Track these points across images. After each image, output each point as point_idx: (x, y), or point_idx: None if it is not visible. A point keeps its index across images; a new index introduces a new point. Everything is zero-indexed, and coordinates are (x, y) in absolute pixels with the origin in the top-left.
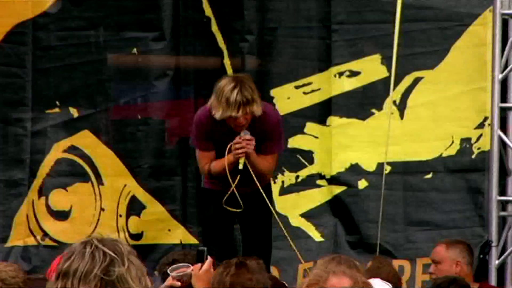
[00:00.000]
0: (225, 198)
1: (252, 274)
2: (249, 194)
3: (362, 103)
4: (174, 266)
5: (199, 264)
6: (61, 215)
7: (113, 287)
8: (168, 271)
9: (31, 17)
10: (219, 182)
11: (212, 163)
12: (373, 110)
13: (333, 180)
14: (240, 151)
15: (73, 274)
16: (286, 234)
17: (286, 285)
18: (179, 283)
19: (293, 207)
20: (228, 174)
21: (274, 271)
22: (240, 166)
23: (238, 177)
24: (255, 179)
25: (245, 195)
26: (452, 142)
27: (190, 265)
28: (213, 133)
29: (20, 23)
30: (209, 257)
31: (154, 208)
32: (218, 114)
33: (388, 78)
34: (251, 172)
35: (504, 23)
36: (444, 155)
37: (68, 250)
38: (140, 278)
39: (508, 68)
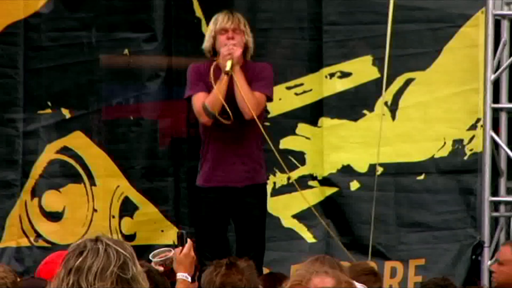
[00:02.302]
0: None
1: (242, 274)
2: (242, 192)
3: (353, 104)
4: (156, 251)
5: (180, 248)
6: (54, 216)
7: (128, 286)
8: (150, 257)
9: (23, 18)
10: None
11: (206, 99)
12: (365, 111)
13: (325, 181)
14: (226, 52)
15: (87, 270)
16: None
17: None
18: (162, 268)
19: (285, 208)
20: (219, 93)
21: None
22: (227, 68)
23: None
24: (243, 101)
25: (238, 192)
26: (444, 143)
27: (171, 249)
28: (205, 77)
29: (11, 23)
30: (188, 240)
31: (147, 209)
32: (209, 36)
33: (380, 79)
34: (237, 95)
35: (497, 24)
36: (436, 156)
37: (75, 247)
38: (145, 279)
39: (501, 69)
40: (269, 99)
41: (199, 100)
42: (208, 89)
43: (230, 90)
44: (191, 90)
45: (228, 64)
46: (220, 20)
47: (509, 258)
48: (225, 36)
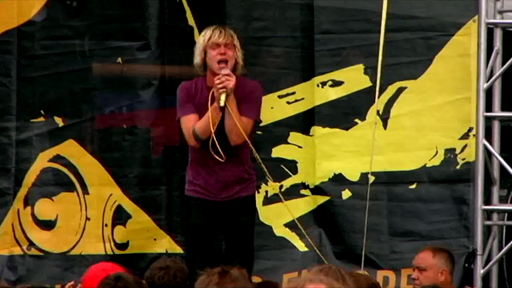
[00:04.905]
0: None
1: (235, 283)
2: (231, 203)
3: (345, 112)
4: None
5: None
6: (47, 225)
7: None
8: None
9: (16, 26)
10: (200, 159)
11: (196, 123)
12: (357, 120)
13: (317, 190)
14: (220, 86)
15: None
16: None
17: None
18: None
19: (277, 217)
20: (211, 124)
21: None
22: (221, 103)
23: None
24: (232, 130)
25: (227, 203)
26: (437, 152)
27: None
28: (194, 97)
29: (5, 31)
30: None
31: (139, 218)
32: (200, 51)
33: (371, 87)
34: (227, 123)
35: (489, 32)
36: (428, 165)
37: None
38: None
39: (493, 78)
40: (257, 122)
41: (188, 123)
42: (197, 109)
43: (221, 119)
44: (180, 112)
45: (222, 98)
46: (211, 34)
47: (431, 262)
48: (217, 51)
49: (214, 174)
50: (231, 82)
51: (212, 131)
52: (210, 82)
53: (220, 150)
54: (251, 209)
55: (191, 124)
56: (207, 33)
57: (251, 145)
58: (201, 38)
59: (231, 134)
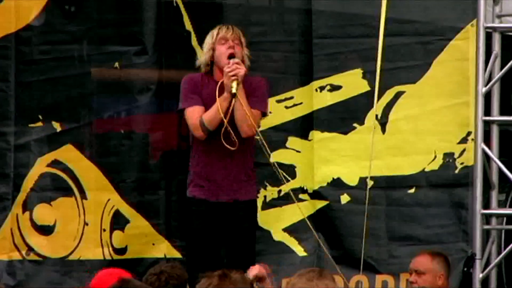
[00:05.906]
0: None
1: (235, 285)
2: (233, 207)
3: (343, 117)
4: None
5: None
6: (45, 230)
7: None
8: None
9: (14, 31)
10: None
11: (204, 114)
12: (355, 125)
13: (315, 195)
14: (232, 73)
15: None
16: None
17: None
18: None
19: (275, 221)
20: (221, 113)
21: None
22: (233, 90)
23: (232, 102)
24: (243, 120)
25: (228, 207)
26: (435, 156)
27: None
28: (201, 89)
29: (3, 36)
30: None
31: (138, 222)
32: (208, 49)
33: (369, 92)
34: (237, 113)
35: (488, 37)
36: (426, 169)
37: None
38: None
39: (492, 82)
40: (265, 114)
41: (195, 114)
42: (203, 102)
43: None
44: (186, 102)
45: (234, 86)
46: (218, 30)
47: (430, 266)
48: (226, 46)
49: (222, 167)
50: (242, 70)
51: (225, 119)
52: (218, 78)
53: (233, 136)
54: (252, 215)
55: (198, 115)
56: (214, 31)
57: (261, 137)
58: (209, 37)
59: (242, 124)
